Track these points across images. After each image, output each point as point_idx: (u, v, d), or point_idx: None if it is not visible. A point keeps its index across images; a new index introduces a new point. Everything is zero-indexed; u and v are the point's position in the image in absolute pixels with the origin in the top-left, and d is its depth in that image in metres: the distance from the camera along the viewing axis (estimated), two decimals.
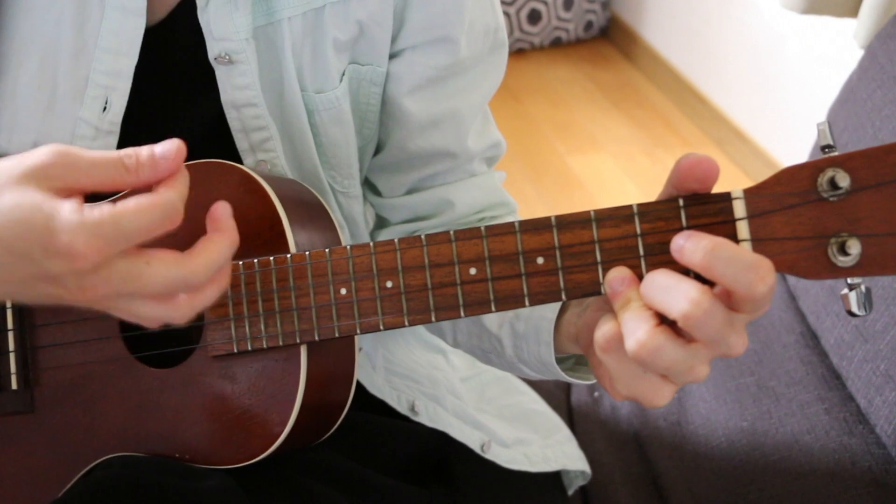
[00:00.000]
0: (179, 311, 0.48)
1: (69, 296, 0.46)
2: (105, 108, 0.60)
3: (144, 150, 0.47)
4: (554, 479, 0.81)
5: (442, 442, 0.73)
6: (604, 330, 0.45)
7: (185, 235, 0.56)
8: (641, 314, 0.43)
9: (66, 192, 0.46)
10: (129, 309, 0.48)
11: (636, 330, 0.42)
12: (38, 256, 0.45)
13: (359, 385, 0.71)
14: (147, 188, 0.47)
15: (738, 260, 0.41)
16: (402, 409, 0.72)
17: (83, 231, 0.44)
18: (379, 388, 0.72)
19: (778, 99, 1.96)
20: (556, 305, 0.57)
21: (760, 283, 0.40)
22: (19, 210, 0.45)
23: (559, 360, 0.58)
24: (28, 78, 0.60)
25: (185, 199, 0.47)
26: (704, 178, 0.43)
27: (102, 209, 0.45)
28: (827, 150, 0.41)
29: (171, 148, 0.47)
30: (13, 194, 0.46)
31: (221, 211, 0.49)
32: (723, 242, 0.41)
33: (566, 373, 0.58)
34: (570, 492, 0.82)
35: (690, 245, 0.42)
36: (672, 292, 0.42)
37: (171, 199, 0.46)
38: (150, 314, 0.48)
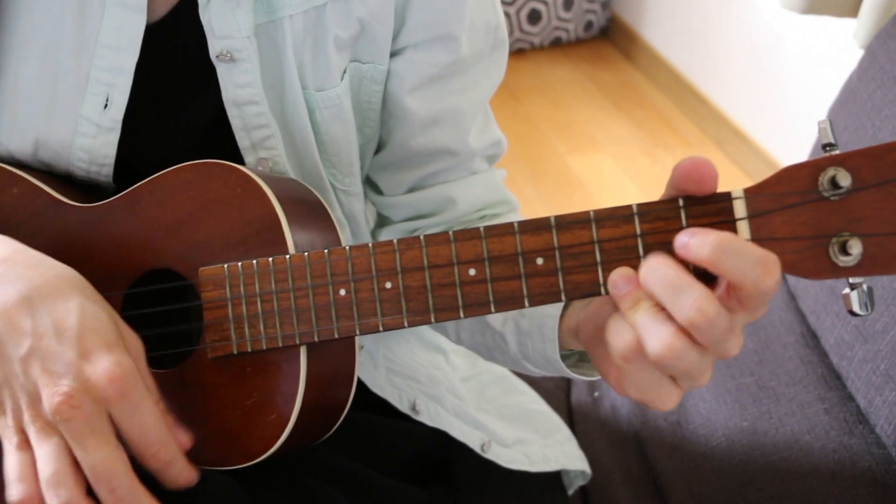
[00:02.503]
0: (67, 497, 0.47)
1: (50, 391, 0.47)
2: (106, 105, 0.60)
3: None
4: (554, 479, 0.81)
5: (442, 442, 0.73)
6: (622, 341, 0.44)
7: (183, 235, 0.55)
8: (658, 316, 0.42)
9: None
10: (50, 451, 0.47)
11: (659, 333, 0.42)
12: (77, 347, 0.47)
13: (359, 385, 0.71)
14: None
15: (746, 254, 0.40)
16: (404, 408, 0.72)
17: (126, 373, 0.48)
18: (380, 386, 0.72)
19: (778, 99, 1.96)
20: (560, 303, 0.57)
21: (768, 277, 0.40)
22: (99, 313, 0.49)
23: (563, 357, 0.58)
24: (29, 75, 0.60)
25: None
26: (701, 180, 0.43)
27: (145, 383, 0.49)
28: (828, 148, 0.41)
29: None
30: (105, 310, 0.50)
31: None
32: (729, 237, 0.41)
33: (570, 369, 0.58)
34: (570, 492, 0.82)
35: (697, 241, 0.41)
36: (680, 296, 0.41)
37: (172, 447, 0.50)
38: (56, 472, 0.47)
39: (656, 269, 0.42)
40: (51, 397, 0.46)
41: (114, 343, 0.48)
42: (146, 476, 0.50)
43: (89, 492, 0.48)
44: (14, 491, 0.48)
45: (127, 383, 0.47)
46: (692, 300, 0.41)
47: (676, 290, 0.41)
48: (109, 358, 0.47)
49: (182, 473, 0.51)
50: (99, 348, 0.48)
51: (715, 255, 0.41)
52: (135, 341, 0.51)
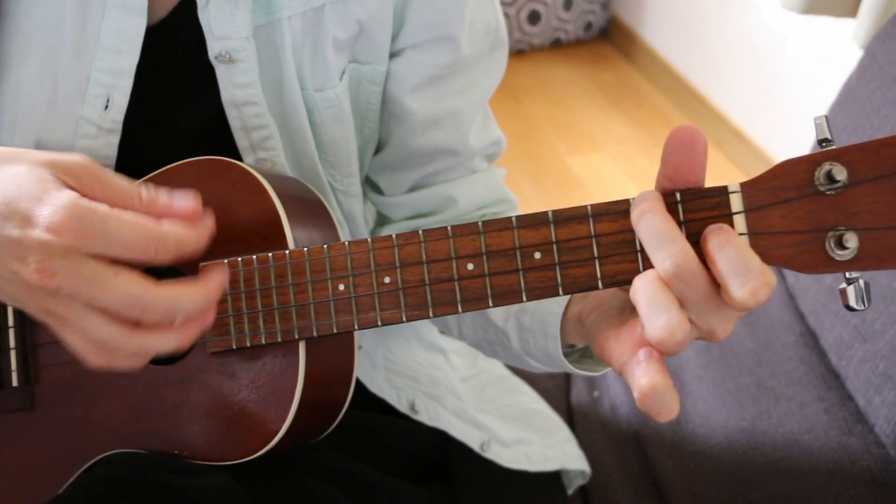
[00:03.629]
0: (126, 342, 0.47)
1: (27, 275, 0.46)
2: (107, 107, 0.60)
3: (163, 192, 0.49)
4: (554, 479, 0.81)
5: (442, 441, 0.74)
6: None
7: None
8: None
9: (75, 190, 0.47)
10: (78, 319, 0.47)
11: (643, 278, 0.42)
12: (15, 220, 0.46)
13: (359, 384, 0.71)
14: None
15: (744, 261, 0.40)
16: (403, 407, 0.72)
17: (68, 211, 0.45)
18: (379, 386, 0.72)
19: (778, 99, 1.96)
20: (563, 300, 0.57)
21: (749, 294, 0.40)
22: (20, 176, 0.47)
23: (565, 353, 0.58)
24: (30, 77, 0.60)
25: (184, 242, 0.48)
26: (691, 145, 0.42)
27: (98, 205, 0.46)
28: (824, 143, 0.41)
29: (187, 198, 0.49)
30: (25, 167, 0.48)
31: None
32: (741, 242, 0.41)
33: (573, 365, 0.58)
34: (570, 491, 0.82)
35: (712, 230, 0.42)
36: (660, 245, 0.42)
37: (168, 233, 0.47)
38: (98, 332, 0.47)
39: (646, 216, 0.43)
40: (31, 280, 0.46)
41: (42, 192, 0.46)
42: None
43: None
44: (90, 362, 0.49)
45: (75, 222, 0.45)
46: (670, 252, 0.41)
47: (660, 239, 0.42)
48: (45, 210, 0.45)
49: (196, 242, 0.49)
50: (31, 206, 0.46)
51: (716, 249, 0.41)
52: (76, 162, 0.49)
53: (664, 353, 0.43)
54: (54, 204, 0.46)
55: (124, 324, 0.47)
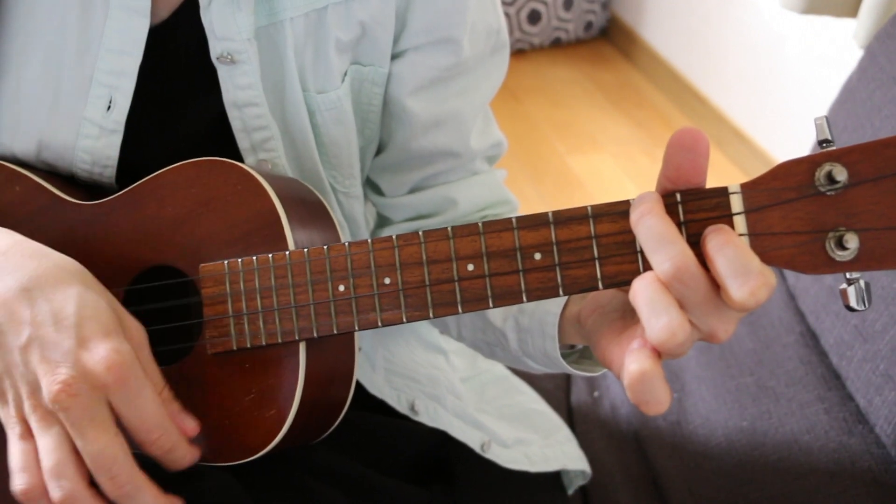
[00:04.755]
0: (71, 483, 0.47)
1: (48, 380, 0.47)
2: (109, 108, 0.60)
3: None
4: (554, 479, 0.81)
5: (442, 441, 0.74)
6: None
7: (184, 231, 0.56)
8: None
9: None
10: (49, 436, 0.48)
11: (642, 281, 0.42)
12: (74, 335, 0.48)
13: (359, 385, 0.71)
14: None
15: (744, 261, 0.40)
16: (402, 408, 0.72)
17: (126, 359, 0.48)
18: (379, 388, 0.72)
19: (778, 99, 1.96)
20: (561, 300, 0.57)
21: (749, 295, 0.40)
22: (97, 304, 0.49)
23: (564, 355, 0.58)
24: (32, 77, 0.60)
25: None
26: (694, 147, 0.42)
27: (144, 371, 0.49)
28: (825, 144, 0.41)
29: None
30: (98, 298, 0.50)
31: None
32: (740, 242, 0.41)
33: (571, 366, 0.58)
34: (570, 491, 0.82)
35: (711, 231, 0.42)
36: (659, 247, 0.42)
37: (174, 433, 0.50)
38: (57, 456, 0.47)
39: (644, 218, 0.43)
40: (49, 385, 0.47)
41: (112, 330, 0.49)
42: (148, 464, 0.50)
43: (92, 481, 0.48)
44: (18, 481, 0.48)
45: (125, 370, 0.47)
46: (669, 255, 0.41)
47: (659, 241, 0.42)
48: (107, 345, 0.47)
49: (184, 458, 0.51)
50: (97, 336, 0.48)
51: (716, 249, 0.41)
52: (137, 329, 0.51)
53: (666, 356, 0.43)
54: (117, 346, 0.48)
55: (82, 472, 0.48)
